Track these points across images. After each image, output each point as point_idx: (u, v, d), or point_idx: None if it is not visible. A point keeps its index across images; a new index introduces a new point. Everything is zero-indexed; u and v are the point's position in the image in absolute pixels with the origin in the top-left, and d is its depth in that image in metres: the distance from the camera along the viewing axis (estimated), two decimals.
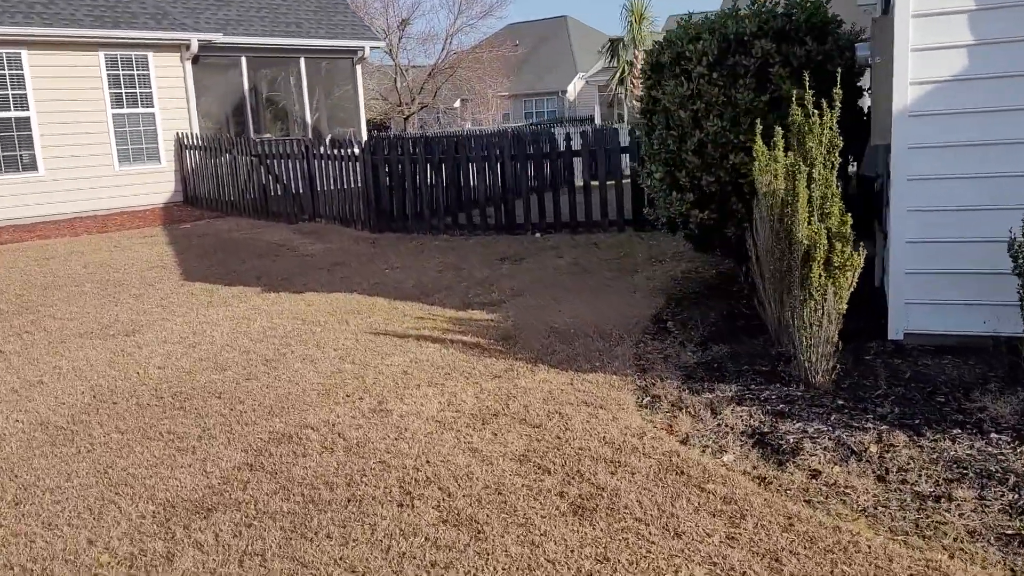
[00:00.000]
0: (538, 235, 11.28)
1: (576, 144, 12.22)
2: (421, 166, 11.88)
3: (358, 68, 18.92)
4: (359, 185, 12.47)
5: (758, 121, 5.52)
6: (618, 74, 27.63)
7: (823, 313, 4.41)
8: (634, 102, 26.60)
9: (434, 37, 44.69)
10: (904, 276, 5.16)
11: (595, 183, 11.47)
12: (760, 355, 5.26)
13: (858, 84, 6.85)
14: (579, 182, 12.16)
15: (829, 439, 3.96)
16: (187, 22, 15.73)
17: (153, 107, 15.28)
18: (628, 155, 11.32)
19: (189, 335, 7.03)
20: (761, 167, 5.13)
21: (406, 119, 41.62)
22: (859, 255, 4.36)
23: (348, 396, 5.26)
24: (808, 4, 6.33)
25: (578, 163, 12.73)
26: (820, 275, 4.34)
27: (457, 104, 48.90)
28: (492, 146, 11.82)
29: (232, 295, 8.58)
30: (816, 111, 4.51)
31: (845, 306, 4.47)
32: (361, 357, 6.08)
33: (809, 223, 4.41)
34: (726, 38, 6.25)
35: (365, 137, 18.71)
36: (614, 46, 27.63)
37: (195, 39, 15.30)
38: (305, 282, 9.09)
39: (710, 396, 4.68)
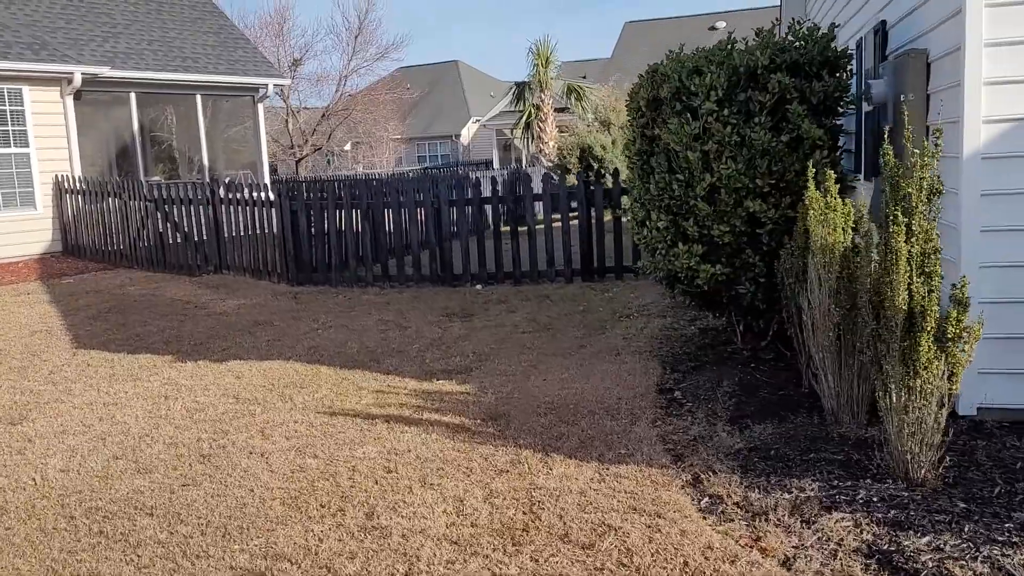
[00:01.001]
0: (479, 287, 10.32)
1: (488, 188, 11.33)
2: (347, 212, 10.76)
3: (260, 107, 17.66)
4: (274, 233, 11.22)
5: (810, 164, 4.78)
6: (524, 118, 27.09)
7: (930, 394, 3.63)
8: (541, 146, 26.13)
9: (326, 78, 43.29)
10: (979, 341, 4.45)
11: (523, 229, 10.50)
12: (822, 438, 4.43)
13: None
14: (505, 228, 11.23)
15: (980, 560, 3.13)
16: (69, 54, 14.17)
17: (28, 146, 13.65)
18: (588, 199, 10.52)
19: (95, 422, 5.71)
20: (816, 217, 4.37)
21: (298, 162, 40.08)
22: (980, 325, 3.61)
23: (324, 507, 4.13)
24: (820, 36, 5.69)
25: (539, 206, 11.88)
26: (929, 348, 3.56)
27: (348, 147, 47.66)
28: (427, 190, 10.84)
29: (139, 366, 7.24)
30: (917, 151, 3.76)
31: (960, 386, 3.70)
32: (324, 448, 4.94)
33: (909, 285, 3.63)
34: (735, 71, 5.53)
35: (267, 180, 17.41)
36: (520, 90, 27.11)
37: (78, 72, 13.80)
38: (226, 347, 7.82)
39: (787, 496, 3.80)
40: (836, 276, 4.33)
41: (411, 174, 31.41)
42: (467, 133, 54.74)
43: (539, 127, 26.17)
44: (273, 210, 11.14)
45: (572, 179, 17.69)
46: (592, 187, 10.13)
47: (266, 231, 11.38)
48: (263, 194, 11.35)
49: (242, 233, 11.70)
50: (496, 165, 41.61)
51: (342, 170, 45.80)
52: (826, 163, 5.40)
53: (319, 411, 5.68)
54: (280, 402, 5.96)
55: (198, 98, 16.57)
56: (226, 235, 11.92)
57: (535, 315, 8.50)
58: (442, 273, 10.58)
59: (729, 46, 5.88)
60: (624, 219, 9.96)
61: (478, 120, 54.19)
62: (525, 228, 10.30)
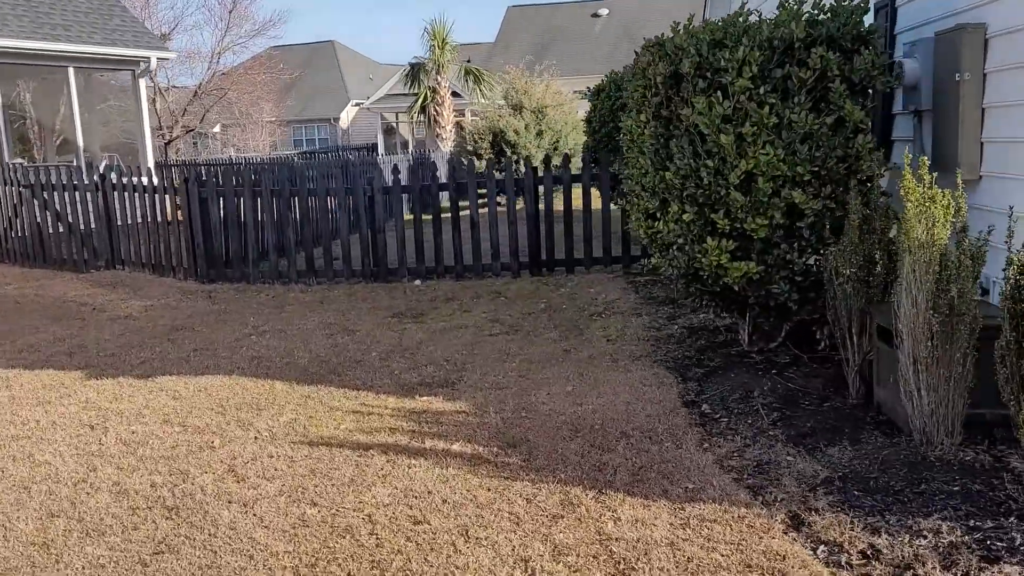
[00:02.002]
0: (418, 282, 9.44)
1: (405, 175, 10.44)
2: (267, 200, 9.64)
3: (142, 82, 16.04)
4: (179, 223, 9.96)
5: (858, 149, 4.20)
6: (420, 101, 26.05)
7: None
8: (439, 130, 25.20)
9: (197, 55, 40.70)
10: None
11: (427, 216, 9.66)
12: (921, 464, 3.88)
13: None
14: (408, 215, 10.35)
15: None
16: None
17: None
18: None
19: (8, 463, 4.59)
20: (915, 209, 3.80)
21: (167, 144, 37.48)
22: None
23: None
24: (853, 6, 5.15)
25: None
26: None
27: (217, 129, 45.21)
28: (354, 176, 9.83)
29: (44, 385, 6.05)
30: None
31: None
32: (321, 492, 4.05)
33: None
34: (769, 44, 4.92)
35: (151, 162, 15.86)
36: (414, 72, 26.04)
37: None
38: (146, 359, 6.70)
39: (925, 543, 3.22)
40: (935, 279, 3.78)
41: (296, 158, 29.85)
42: (346, 117, 53.03)
43: (436, 110, 25.25)
44: (177, 198, 9.88)
45: (482, 165, 16.94)
46: (541, 174, 9.41)
47: (169, 221, 10.10)
48: (164, 179, 10.07)
49: (139, 223, 10.37)
50: (381, 150, 40.29)
51: (212, 154, 43.33)
52: (870, 148, 4.88)
53: (294, 441, 4.75)
54: (240, 430, 4.98)
55: (71, 71, 14.83)
56: (119, 226, 10.54)
57: (495, 315, 7.73)
58: (375, 267, 9.63)
59: (745, 16, 5.28)
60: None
61: (358, 103, 52.54)
62: (449, 216, 9.46)
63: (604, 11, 48.02)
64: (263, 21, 48.34)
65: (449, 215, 9.57)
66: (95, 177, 10.52)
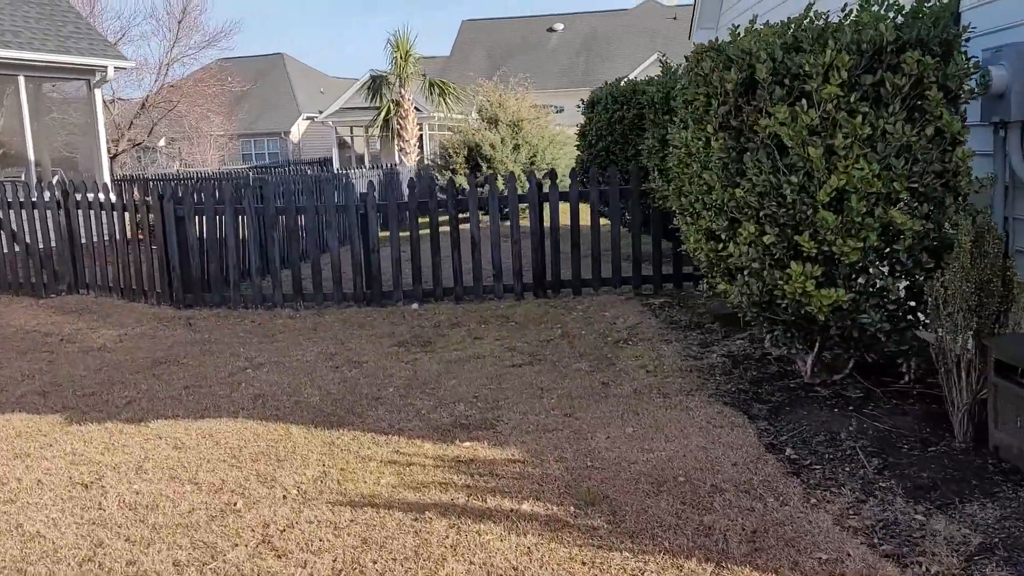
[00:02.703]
0: (415, 306, 8.79)
1: (377, 190, 9.81)
2: (251, 218, 8.91)
3: (97, 92, 15.11)
4: (151, 243, 9.17)
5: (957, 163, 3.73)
6: (383, 114, 25.35)
7: None
8: (402, 144, 24.53)
9: (144, 66, 39.29)
10: None
11: (424, 232, 8.99)
12: None
13: None
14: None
15: None
16: None
17: None
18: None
19: None
20: None
21: (113, 158, 36.09)
22: None
23: None
24: (940, 8, 4.71)
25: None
26: None
27: (162, 143, 43.80)
28: (346, 191, 9.16)
29: (19, 433, 5.28)
30: None
31: None
32: (385, 571, 3.40)
33: None
34: (858, 48, 4.44)
35: (107, 177, 14.94)
36: (376, 84, 25.34)
37: None
38: (132, 399, 5.95)
39: None
40: None
41: (251, 173, 28.87)
42: (297, 130, 52.07)
43: (400, 124, 24.60)
44: (151, 215, 9.09)
45: (461, 179, 16.36)
46: (545, 190, 8.85)
47: (141, 239, 9.29)
48: (129, 195, 9.27)
49: (106, 243, 9.54)
50: (336, 164, 39.42)
51: (159, 168, 41.90)
52: (968, 163, 4.42)
53: (332, 501, 4.09)
54: (263, 487, 4.30)
55: (21, 80, 13.87)
56: (84, 246, 9.70)
57: (510, 342, 7.13)
58: (368, 290, 8.96)
59: (820, 19, 4.81)
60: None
61: (310, 117, 51.61)
62: (448, 234, 8.86)
63: (560, 26, 47.87)
64: (214, 32, 47.19)
65: (448, 233, 8.95)
66: (57, 194, 9.67)
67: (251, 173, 29.60)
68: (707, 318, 7.55)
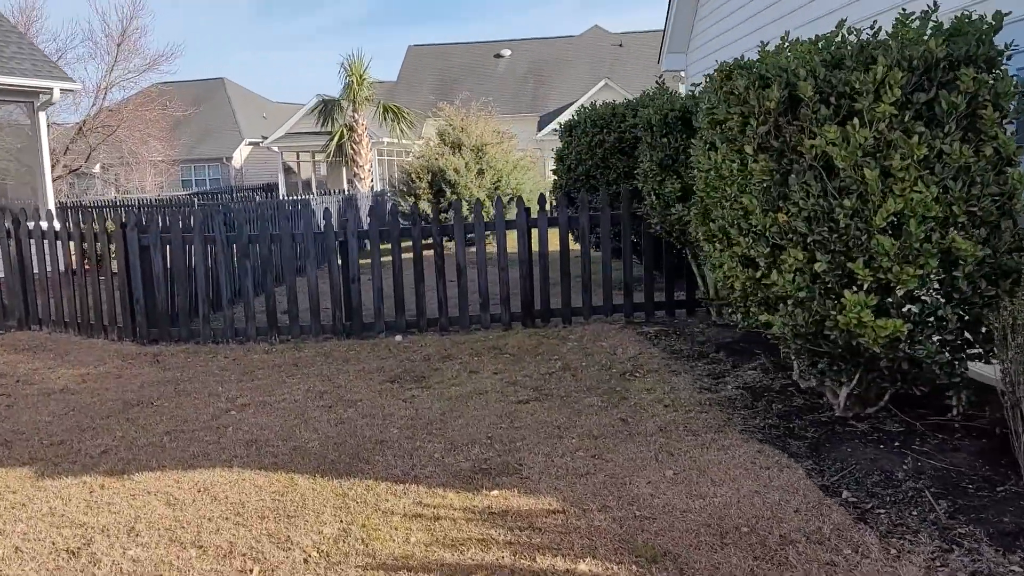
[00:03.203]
0: (399, 338, 8.35)
1: (335, 218, 9.37)
2: (223, 248, 8.39)
3: (42, 116, 14.39)
4: (112, 275, 8.57)
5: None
6: (336, 139, 24.82)
7: None
8: (356, 169, 24.05)
9: (80, 90, 38.04)
10: None
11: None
12: None
13: None
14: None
15: None
16: None
17: None
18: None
19: None
20: None
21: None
22: None
23: None
24: (984, 26, 4.52)
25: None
26: None
27: (97, 168, 42.46)
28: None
29: None
30: None
31: None
32: None
33: None
34: (909, 64, 4.21)
35: (52, 204, 14.18)
36: (328, 108, 24.81)
37: None
38: (107, 448, 5.40)
39: None
40: None
41: (196, 200, 28.02)
42: (239, 156, 51.09)
43: (353, 149, 24.09)
44: (111, 246, 8.50)
45: (424, 205, 15.96)
46: (533, 215, 8.53)
47: (87, 272, 8.68)
48: (92, 225, 8.67)
49: (61, 276, 8.90)
50: (282, 190, 38.65)
51: (97, 195, 40.53)
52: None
53: (361, 564, 3.65)
54: (278, 549, 3.83)
55: None
56: (36, 278, 9.04)
57: (510, 376, 6.75)
58: (348, 321, 8.49)
59: (850, 33, 4.59)
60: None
61: (253, 142, 50.71)
62: (432, 262, 8.46)
63: (507, 52, 47.90)
64: (154, 55, 45.86)
65: (432, 261, 8.54)
66: (7, 223, 9.00)
67: (196, 199, 28.74)
68: (709, 347, 7.28)
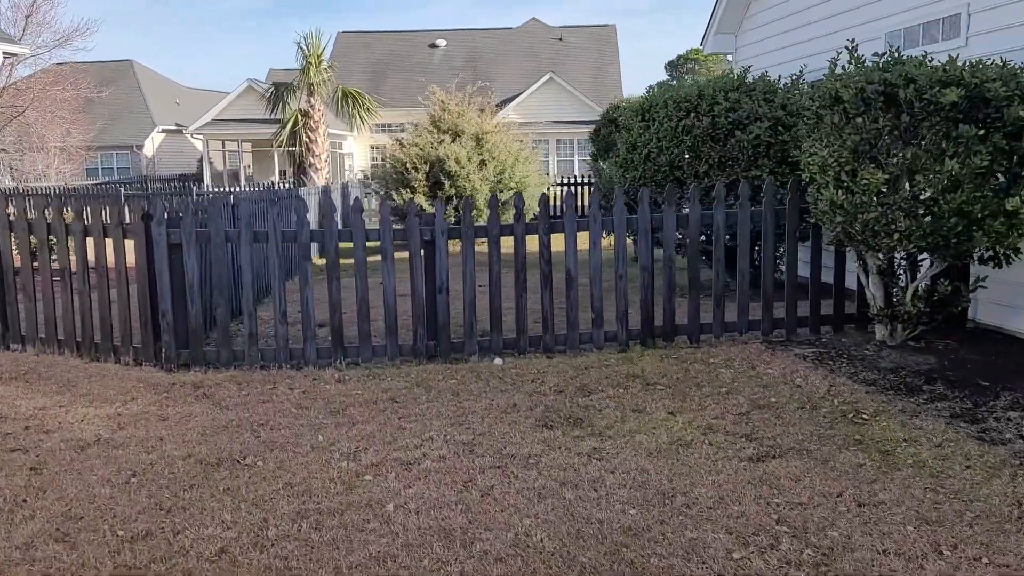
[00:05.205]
0: (498, 361, 6.74)
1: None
2: (276, 247, 6.58)
3: None
4: (127, 281, 6.66)
5: None
6: (289, 125, 22.67)
7: None
8: (312, 159, 22.06)
9: None
10: None
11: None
12: None
13: None
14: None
15: None
16: None
17: None
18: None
19: None
20: None
21: None
22: None
23: None
24: None
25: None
26: None
27: None
28: (413, 216, 7.00)
29: None
30: None
31: None
32: None
33: None
34: None
35: None
36: (279, 92, 22.64)
37: None
38: (224, 543, 3.69)
39: None
40: None
41: (124, 188, 25.41)
42: (151, 144, 47.70)
43: (309, 137, 22.08)
44: (125, 243, 6.59)
45: (420, 199, 14.27)
46: (660, 210, 7.05)
47: (108, 277, 6.75)
48: (102, 217, 6.73)
49: (54, 280, 6.91)
50: (207, 181, 35.92)
51: None
52: None
53: None
54: None
55: None
56: (16, 283, 7.02)
57: (697, 418, 5.26)
58: (432, 340, 6.82)
59: None
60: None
61: (166, 129, 47.55)
62: (538, 267, 6.89)
63: (442, 42, 46.08)
64: (67, 30, 42.07)
65: (538, 265, 6.96)
66: None
67: (123, 188, 26.03)
68: (911, 376, 5.97)
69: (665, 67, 64.80)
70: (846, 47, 6.37)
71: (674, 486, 4.23)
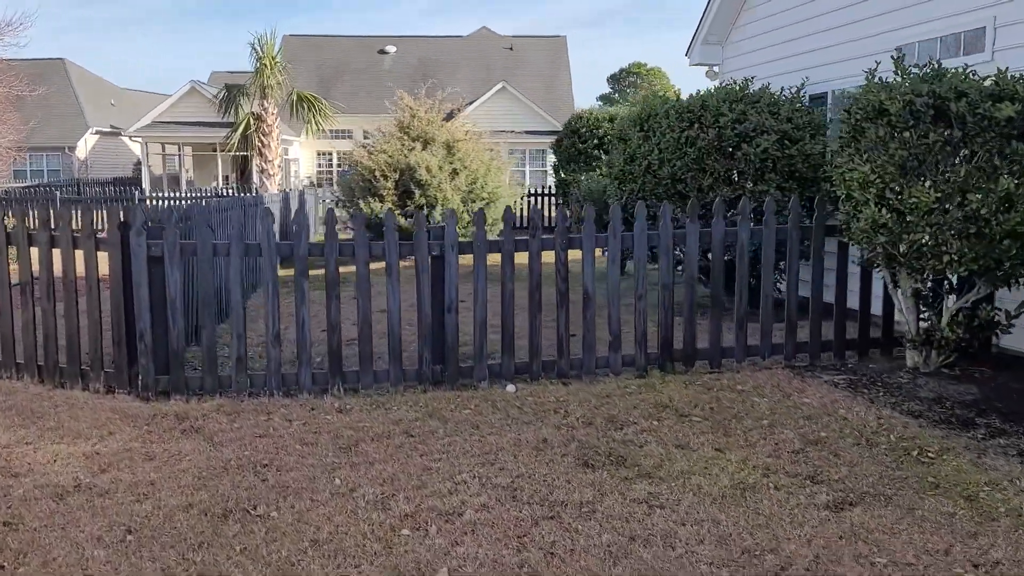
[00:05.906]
0: (511, 388, 6.20)
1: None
2: (270, 260, 5.93)
3: None
4: (99, 299, 5.94)
5: None
6: (241, 128, 21.74)
7: None
8: (264, 164, 21.22)
9: None
10: None
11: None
12: None
13: None
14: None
15: None
16: None
17: None
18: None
19: None
20: None
21: None
22: None
23: None
24: None
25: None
26: None
27: None
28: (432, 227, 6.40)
29: None
30: None
31: None
32: None
33: None
34: None
35: None
36: (232, 95, 21.72)
37: None
38: None
39: None
40: None
41: (58, 192, 24.18)
42: (84, 146, 45.89)
43: (262, 141, 21.24)
44: (98, 255, 5.87)
45: (388, 210, 13.61)
46: (681, 226, 6.61)
47: (76, 293, 6.01)
48: (70, 226, 6.01)
49: (16, 303, 6.15)
50: (146, 184, 34.50)
51: None
52: None
53: None
54: None
55: None
56: None
57: (749, 457, 4.81)
58: (438, 364, 6.25)
59: None
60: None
61: (100, 131, 45.83)
62: (555, 284, 6.37)
63: (392, 48, 45.33)
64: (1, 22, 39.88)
65: (555, 283, 6.44)
66: None
67: (58, 192, 24.75)
68: (954, 407, 5.63)
69: (608, 80, 64.86)
70: (891, 56, 6.01)
71: (758, 542, 3.75)
